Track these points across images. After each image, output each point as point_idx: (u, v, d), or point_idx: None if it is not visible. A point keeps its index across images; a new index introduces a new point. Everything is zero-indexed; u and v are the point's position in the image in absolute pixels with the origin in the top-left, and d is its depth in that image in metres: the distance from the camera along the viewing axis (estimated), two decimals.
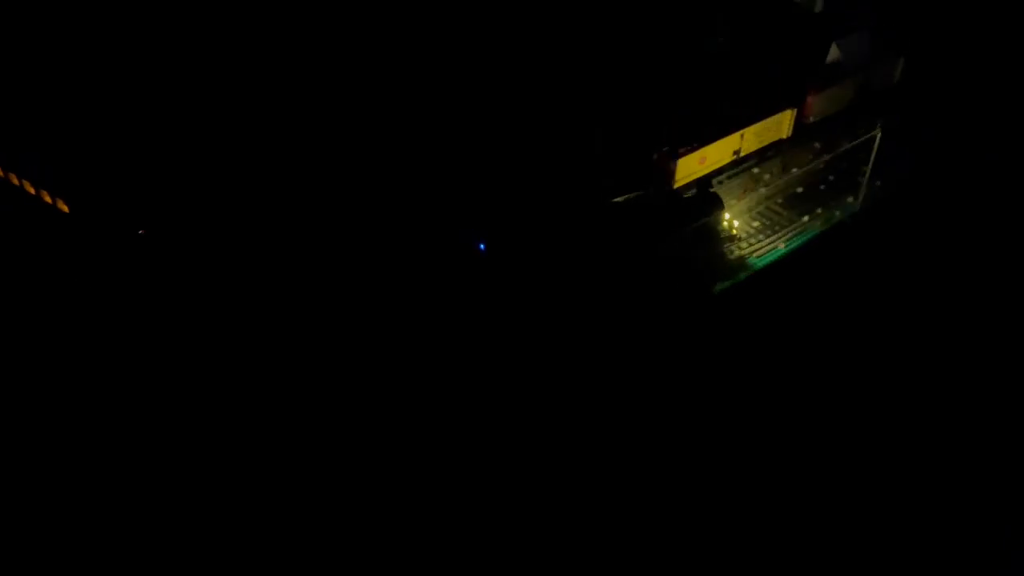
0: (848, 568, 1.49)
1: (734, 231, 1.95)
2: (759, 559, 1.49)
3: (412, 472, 1.57)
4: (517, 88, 1.91)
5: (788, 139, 2.03)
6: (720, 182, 1.94)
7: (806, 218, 2.05)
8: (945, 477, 1.60)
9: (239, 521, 1.51)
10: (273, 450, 1.60)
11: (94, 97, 1.96)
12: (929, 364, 1.79)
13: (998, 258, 2.05)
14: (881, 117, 2.05)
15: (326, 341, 1.69)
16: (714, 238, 1.91)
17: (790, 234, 2.01)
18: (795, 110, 1.99)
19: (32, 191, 1.93)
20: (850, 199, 2.11)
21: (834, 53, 2.06)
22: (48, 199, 1.89)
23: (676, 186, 1.84)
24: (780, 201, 2.10)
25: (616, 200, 1.74)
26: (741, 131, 1.91)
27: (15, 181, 1.95)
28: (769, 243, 1.97)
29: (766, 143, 2.00)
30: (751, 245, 1.96)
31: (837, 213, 2.08)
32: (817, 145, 2.09)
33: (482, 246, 1.56)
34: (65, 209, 1.88)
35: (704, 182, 1.89)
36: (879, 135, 2.04)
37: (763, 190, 2.03)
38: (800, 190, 2.12)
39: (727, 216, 1.94)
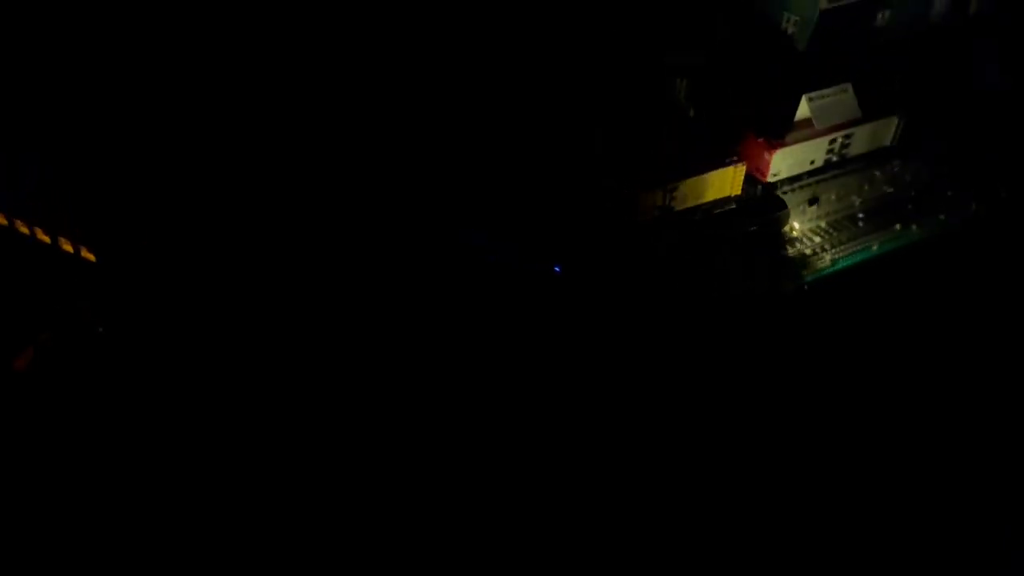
0: (848, 568, 1.49)
1: (794, 233, 1.92)
2: (759, 559, 1.49)
3: (420, 472, 1.56)
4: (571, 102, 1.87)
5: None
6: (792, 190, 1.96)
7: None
8: (945, 477, 1.59)
9: (239, 521, 1.51)
10: (273, 450, 1.59)
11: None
12: (929, 364, 1.76)
13: None
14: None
15: (337, 343, 1.71)
16: (777, 241, 1.90)
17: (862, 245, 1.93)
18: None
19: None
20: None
21: None
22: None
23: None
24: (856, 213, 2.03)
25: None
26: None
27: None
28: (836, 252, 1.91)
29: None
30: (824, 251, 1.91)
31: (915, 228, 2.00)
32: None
33: (557, 268, 1.69)
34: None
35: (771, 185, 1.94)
36: None
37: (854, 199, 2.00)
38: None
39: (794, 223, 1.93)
